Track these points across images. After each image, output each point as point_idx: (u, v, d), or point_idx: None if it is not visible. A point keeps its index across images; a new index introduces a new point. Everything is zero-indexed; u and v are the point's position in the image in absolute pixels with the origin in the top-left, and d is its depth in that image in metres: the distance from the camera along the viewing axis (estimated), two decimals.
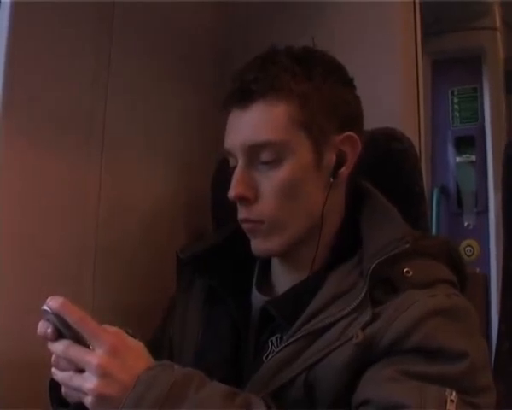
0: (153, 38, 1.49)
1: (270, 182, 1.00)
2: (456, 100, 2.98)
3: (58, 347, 0.83)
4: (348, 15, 1.66)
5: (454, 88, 2.99)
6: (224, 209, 1.05)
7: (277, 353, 0.95)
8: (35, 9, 1.17)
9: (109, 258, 1.35)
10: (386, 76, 1.58)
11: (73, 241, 1.28)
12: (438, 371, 0.86)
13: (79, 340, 0.83)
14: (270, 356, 0.98)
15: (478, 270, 2.51)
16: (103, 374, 0.80)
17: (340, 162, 1.03)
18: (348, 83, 1.07)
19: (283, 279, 1.08)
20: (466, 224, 2.87)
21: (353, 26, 1.65)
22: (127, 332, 1.03)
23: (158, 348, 1.19)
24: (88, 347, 0.83)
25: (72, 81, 1.27)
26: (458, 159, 2.94)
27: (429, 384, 0.85)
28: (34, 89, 1.18)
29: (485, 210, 2.81)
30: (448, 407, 0.83)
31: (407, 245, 0.96)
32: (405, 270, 0.95)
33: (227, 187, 1.02)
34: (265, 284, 1.11)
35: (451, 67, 2.99)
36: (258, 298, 1.09)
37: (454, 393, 0.84)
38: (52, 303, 0.83)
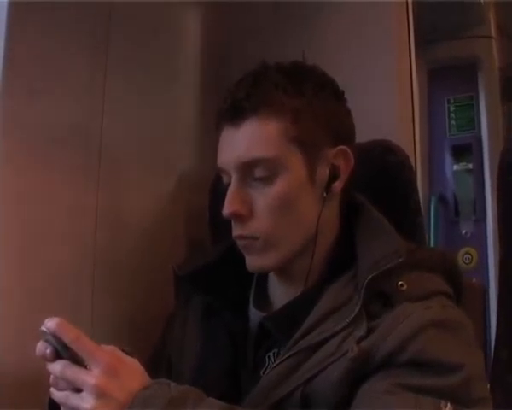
0: (149, 50, 1.50)
1: (264, 198, 1.00)
2: (452, 108, 2.99)
3: (56, 367, 0.83)
4: (342, 26, 1.67)
5: (450, 97, 3.00)
6: (221, 223, 1.05)
7: (274, 368, 0.95)
8: (30, 25, 1.18)
9: (108, 273, 1.35)
10: (381, 87, 1.59)
11: (72, 256, 1.28)
12: (433, 384, 0.86)
13: (77, 360, 0.84)
14: (267, 371, 0.99)
15: (474, 280, 2.51)
16: (100, 394, 0.80)
17: (333, 176, 1.03)
18: (339, 96, 1.07)
19: (280, 293, 1.08)
20: (464, 232, 2.87)
21: (347, 37, 1.66)
22: (124, 350, 1.04)
23: (157, 364, 1.20)
24: (85, 367, 0.83)
25: (68, 96, 1.27)
26: (455, 167, 2.95)
27: (424, 397, 0.85)
28: (30, 107, 1.19)
29: (483, 218, 2.82)
30: None
31: (400, 259, 0.96)
32: (400, 283, 0.95)
33: (224, 201, 1.02)
34: (262, 298, 1.11)
35: (447, 76, 3.00)
36: (255, 314, 1.09)
37: (449, 404, 0.84)
38: (49, 324, 0.83)
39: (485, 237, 2.78)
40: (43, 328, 0.85)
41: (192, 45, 1.69)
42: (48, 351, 0.84)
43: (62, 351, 0.85)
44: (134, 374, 0.85)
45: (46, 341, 0.86)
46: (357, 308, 0.93)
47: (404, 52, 1.66)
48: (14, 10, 1.14)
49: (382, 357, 0.89)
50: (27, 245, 1.18)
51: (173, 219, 1.54)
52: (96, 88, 1.34)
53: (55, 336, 0.84)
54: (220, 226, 1.03)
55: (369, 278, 0.94)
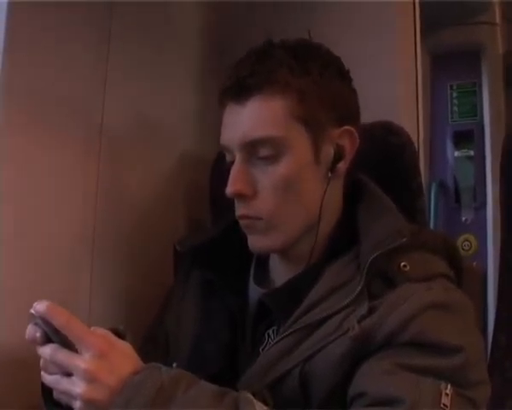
0: (151, 32, 1.50)
1: (268, 178, 0.99)
2: (455, 95, 2.98)
3: (45, 351, 0.83)
4: (347, 10, 1.66)
5: (453, 83, 2.99)
6: (222, 201, 1.05)
7: (274, 345, 0.96)
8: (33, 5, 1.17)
9: (107, 248, 1.35)
10: (386, 70, 1.58)
11: (71, 232, 1.28)
12: (433, 365, 0.86)
13: (67, 344, 0.83)
14: (266, 348, 0.99)
15: (475, 264, 2.51)
16: (90, 379, 0.80)
17: (338, 156, 1.02)
18: (345, 76, 1.06)
19: (281, 272, 1.08)
20: (464, 219, 2.87)
21: (352, 21, 1.65)
22: (118, 329, 1.04)
23: (155, 340, 1.20)
24: (76, 351, 0.82)
25: (70, 73, 1.27)
26: (457, 153, 2.94)
27: (424, 377, 0.85)
28: (33, 83, 1.18)
29: (483, 205, 2.81)
30: (443, 401, 0.84)
31: (404, 239, 0.96)
32: (402, 264, 0.95)
33: (225, 179, 1.02)
34: (263, 276, 1.11)
35: (451, 62, 2.98)
36: (255, 290, 1.08)
37: (449, 386, 0.85)
38: (38, 307, 0.82)
39: (485, 225, 2.78)
40: (33, 311, 0.83)
41: (194, 26, 1.68)
42: (38, 335, 0.83)
43: (52, 335, 0.83)
44: (125, 359, 0.84)
45: (36, 324, 0.84)
46: (359, 288, 0.92)
47: (409, 37, 1.65)
48: None
49: (383, 337, 0.89)
50: (27, 221, 1.18)
51: (174, 197, 1.55)
52: (99, 65, 1.34)
53: (44, 319, 0.83)
54: (221, 205, 1.03)
55: (371, 257, 0.93)
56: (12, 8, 1.12)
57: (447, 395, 0.84)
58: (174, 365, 1.10)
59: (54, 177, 1.24)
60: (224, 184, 1.01)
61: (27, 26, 1.16)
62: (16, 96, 1.14)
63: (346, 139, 1.03)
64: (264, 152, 0.98)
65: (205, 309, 1.12)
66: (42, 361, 0.86)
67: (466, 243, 2.80)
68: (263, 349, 1.00)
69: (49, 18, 1.21)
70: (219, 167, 1.05)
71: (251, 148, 0.99)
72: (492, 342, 1.27)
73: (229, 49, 1.66)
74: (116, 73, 1.37)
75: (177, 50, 1.61)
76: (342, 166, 1.04)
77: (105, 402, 0.80)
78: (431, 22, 2.64)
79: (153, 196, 1.50)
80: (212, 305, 1.11)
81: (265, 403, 0.92)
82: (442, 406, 0.84)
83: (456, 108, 2.97)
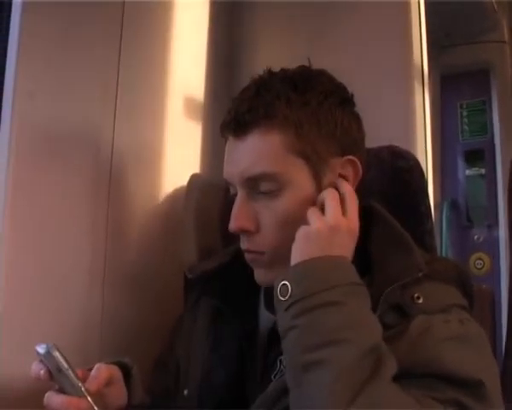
0: (162, 48, 1.51)
1: (269, 213, 0.98)
2: (465, 113, 2.98)
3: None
4: (355, 31, 1.67)
5: (463, 101, 2.99)
6: None
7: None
8: (44, 21, 1.19)
9: (118, 277, 1.36)
10: (393, 93, 1.59)
11: (82, 263, 1.28)
12: (456, 398, 0.86)
13: (70, 382, 0.90)
14: (278, 375, 0.99)
15: (484, 286, 2.50)
16: None
17: None
18: (347, 102, 1.04)
19: None
20: (476, 237, 2.86)
21: (360, 42, 1.66)
22: (124, 361, 1.06)
23: (165, 365, 1.21)
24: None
25: (81, 95, 1.28)
26: (468, 172, 2.93)
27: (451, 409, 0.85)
28: (43, 112, 1.20)
29: (496, 223, 2.80)
30: None
31: (420, 274, 0.95)
32: (416, 295, 0.94)
33: (232, 210, 1.02)
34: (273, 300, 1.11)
35: (460, 81, 2.99)
36: (266, 317, 1.08)
37: None
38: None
39: (498, 243, 2.77)
40: (38, 348, 0.89)
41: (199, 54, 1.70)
42: (42, 372, 0.90)
43: (55, 373, 0.89)
44: None
45: (40, 362, 0.90)
46: None
47: (417, 57, 1.66)
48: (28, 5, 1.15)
49: (402, 369, 0.87)
50: (37, 245, 1.19)
51: (184, 223, 1.54)
52: (108, 91, 1.35)
53: (48, 358, 0.89)
54: (231, 233, 1.03)
55: (388, 289, 0.93)
56: (22, 38, 1.14)
57: None
58: (185, 392, 1.11)
59: (63, 208, 1.24)
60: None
61: (40, 55, 1.18)
62: (27, 127, 1.16)
63: (349, 169, 1.01)
64: (264, 187, 0.98)
65: (214, 336, 1.12)
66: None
67: (478, 261, 2.79)
68: (274, 376, 1.00)
69: (58, 45, 1.22)
70: (230, 194, 1.05)
71: (252, 183, 0.99)
72: (503, 367, 1.26)
73: (237, 71, 1.68)
74: (125, 101, 1.38)
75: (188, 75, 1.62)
76: None
77: None
78: (440, 42, 2.66)
79: (163, 223, 1.50)
80: (222, 332, 1.11)
81: None
82: None
83: (466, 127, 2.97)
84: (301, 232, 0.93)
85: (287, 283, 0.87)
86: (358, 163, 1.02)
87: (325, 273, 0.87)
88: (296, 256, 0.90)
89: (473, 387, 0.87)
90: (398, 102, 1.61)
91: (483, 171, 2.90)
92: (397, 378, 0.86)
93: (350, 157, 1.01)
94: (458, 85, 2.99)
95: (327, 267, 0.88)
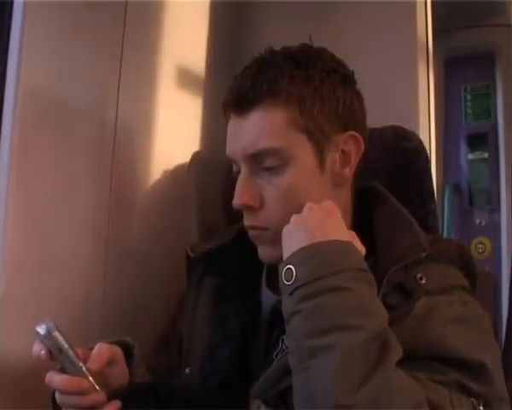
0: (165, 25, 1.50)
1: (273, 189, 0.99)
2: (468, 97, 2.97)
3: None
4: (360, 13, 1.66)
5: (467, 85, 2.98)
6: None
7: (288, 352, 0.94)
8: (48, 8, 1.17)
9: (120, 256, 1.35)
10: (398, 74, 1.58)
11: (84, 236, 1.28)
12: (458, 380, 0.86)
13: (71, 361, 0.90)
14: (280, 355, 0.99)
15: (487, 268, 2.50)
16: None
17: (343, 162, 1.02)
18: (348, 80, 1.04)
19: None
20: (478, 221, 2.86)
21: (365, 24, 1.65)
22: (126, 341, 1.06)
23: (168, 345, 1.21)
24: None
25: (85, 71, 1.27)
26: (471, 156, 2.93)
27: (456, 392, 0.85)
28: (49, 83, 1.19)
29: (498, 207, 2.80)
30: None
31: (424, 253, 0.96)
32: (418, 276, 0.94)
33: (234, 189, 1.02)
34: (276, 280, 1.10)
35: (464, 64, 2.98)
36: (268, 296, 1.08)
37: (481, 402, 0.86)
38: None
39: (499, 227, 2.77)
40: (38, 329, 0.89)
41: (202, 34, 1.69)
42: (42, 352, 0.90)
43: (56, 353, 0.89)
44: None
45: (41, 342, 0.90)
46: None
47: (422, 39, 1.65)
48: None
49: (406, 351, 0.86)
50: (38, 228, 1.18)
51: (187, 201, 1.54)
52: (112, 66, 1.34)
53: (48, 338, 0.89)
54: (235, 209, 1.02)
55: (391, 269, 0.93)
56: (27, 16, 1.13)
57: None
58: (187, 370, 1.11)
59: (66, 185, 1.24)
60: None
61: (43, 36, 1.17)
62: (31, 103, 1.15)
63: (351, 145, 1.02)
64: (268, 163, 0.98)
65: (217, 315, 1.12)
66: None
67: (480, 245, 2.79)
68: (276, 355, 1.00)
69: (64, 25, 1.21)
70: (233, 173, 1.05)
71: (255, 159, 0.99)
72: (504, 347, 1.26)
73: (240, 51, 1.67)
74: (129, 74, 1.37)
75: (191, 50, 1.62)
76: (348, 171, 1.03)
77: None
78: (445, 25, 2.65)
79: (165, 201, 1.50)
80: (225, 311, 1.11)
81: (276, 409, 0.92)
82: None
83: (469, 111, 2.96)
84: (294, 220, 0.92)
85: (291, 267, 0.86)
86: (361, 139, 1.02)
87: (330, 258, 0.86)
88: (294, 242, 0.90)
89: (475, 369, 0.87)
90: (402, 85, 1.61)
91: (486, 155, 2.89)
92: (400, 361, 0.86)
93: (352, 133, 1.01)
94: (462, 69, 2.98)
95: (332, 252, 0.87)
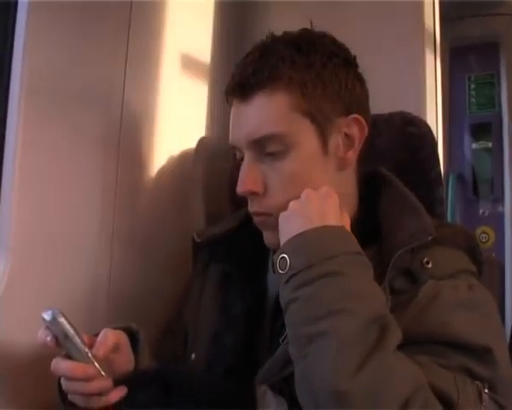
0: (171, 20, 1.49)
1: (277, 174, 0.98)
2: (473, 86, 2.96)
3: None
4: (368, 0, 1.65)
5: (471, 74, 2.97)
6: None
7: None
8: None
9: (126, 241, 1.35)
10: (405, 61, 1.58)
11: (90, 225, 1.27)
12: (463, 365, 0.86)
13: (77, 348, 0.90)
14: (286, 340, 0.98)
15: (493, 255, 2.50)
16: None
17: (347, 146, 1.01)
18: (350, 64, 1.04)
19: None
20: (481, 211, 2.85)
21: (372, 12, 1.64)
22: (131, 327, 1.06)
23: (173, 332, 1.21)
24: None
25: (92, 53, 1.26)
26: (474, 145, 2.92)
27: (462, 376, 0.85)
28: (52, 71, 1.17)
29: (501, 197, 2.79)
30: (484, 399, 0.85)
31: (430, 237, 0.95)
32: (425, 260, 0.94)
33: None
34: None
35: (469, 53, 2.96)
36: (274, 281, 1.07)
37: (486, 386, 0.85)
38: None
39: (503, 217, 2.76)
40: (44, 315, 0.89)
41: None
42: (48, 339, 0.90)
43: (62, 339, 0.90)
44: None
45: (47, 328, 0.90)
46: (383, 284, 0.91)
47: (429, 27, 1.64)
48: None
49: (411, 335, 0.87)
50: (44, 211, 1.17)
51: (193, 188, 1.54)
52: (119, 53, 1.33)
53: (54, 324, 0.89)
54: (240, 197, 1.02)
55: (397, 253, 0.93)
56: (32, 5, 1.12)
57: (486, 394, 0.85)
58: (192, 356, 1.11)
59: (72, 167, 1.23)
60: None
61: (48, 26, 1.16)
62: (37, 85, 1.14)
63: (355, 128, 1.01)
64: (271, 148, 0.98)
65: (223, 301, 1.12)
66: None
67: (483, 235, 2.78)
68: (282, 341, 0.99)
69: (69, 14, 1.20)
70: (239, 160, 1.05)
71: (258, 145, 0.99)
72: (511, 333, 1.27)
73: (246, 38, 1.67)
74: (135, 62, 1.36)
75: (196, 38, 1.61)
76: (352, 154, 1.02)
77: None
78: (449, 14, 2.63)
79: (172, 189, 1.49)
80: (231, 297, 1.11)
81: (282, 394, 0.92)
82: (484, 404, 0.84)
83: (473, 100, 2.95)
84: (292, 206, 0.93)
85: (285, 255, 0.87)
86: (364, 122, 1.02)
87: (323, 244, 0.86)
88: (291, 229, 0.90)
89: (481, 353, 0.87)
90: (408, 73, 1.60)
91: (490, 145, 2.88)
92: (405, 345, 0.86)
93: (355, 116, 1.01)
94: (467, 58, 2.96)
95: (325, 238, 0.87)
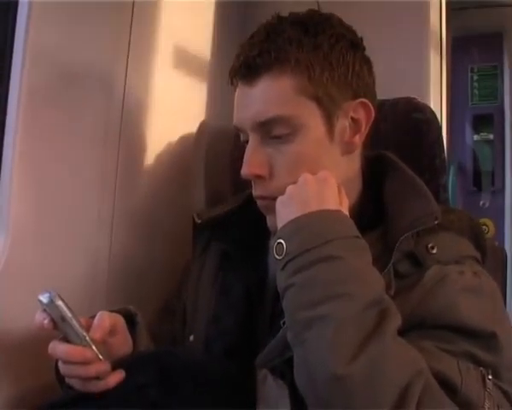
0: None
1: (283, 157, 0.97)
2: (475, 77, 2.95)
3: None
4: None
5: (474, 66, 2.96)
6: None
7: None
8: None
9: (126, 221, 1.34)
10: (411, 50, 1.57)
11: (91, 202, 1.27)
12: (468, 350, 0.85)
13: (74, 331, 0.89)
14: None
15: (497, 243, 2.50)
16: None
17: (353, 130, 1.00)
18: (357, 46, 1.02)
19: None
20: (481, 202, 2.86)
21: (379, 3, 1.62)
22: (129, 309, 1.05)
23: (172, 312, 1.21)
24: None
25: (95, 37, 1.25)
26: (476, 137, 2.91)
27: (464, 362, 0.84)
28: (57, 54, 1.17)
29: (502, 189, 2.79)
30: (487, 385, 0.84)
31: (436, 221, 0.95)
32: (430, 245, 0.94)
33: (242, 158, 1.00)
34: None
35: (472, 45, 2.95)
36: (275, 264, 1.07)
37: (490, 372, 0.85)
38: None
39: (503, 209, 2.76)
40: (41, 298, 0.87)
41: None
42: (45, 322, 0.88)
43: (59, 322, 0.88)
44: None
45: (44, 311, 0.89)
46: (387, 267, 0.90)
47: (436, 18, 1.63)
48: None
49: (416, 319, 0.87)
50: (44, 193, 1.17)
51: (194, 169, 1.54)
52: (121, 36, 1.32)
53: (51, 307, 0.87)
54: (241, 178, 1.01)
55: (402, 237, 0.92)
56: None
57: (490, 380, 0.84)
58: (191, 338, 1.10)
59: (73, 150, 1.22)
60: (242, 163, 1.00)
61: (51, 8, 1.15)
62: (38, 70, 1.13)
63: (361, 112, 1.00)
64: (277, 131, 0.96)
65: (223, 282, 1.11)
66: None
67: (483, 227, 2.78)
68: (283, 323, 0.98)
69: None
70: (240, 141, 1.03)
71: (263, 128, 0.97)
72: None
73: (246, 22, 1.65)
74: (137, 46, 1.35)
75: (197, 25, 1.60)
76: (358, 139, 1.01)
77: None
78: (453, 4, 2.61)
79: (172, 171, 1.48)
80: (230, 278, 1.10)
81: (283, 378, 0.91)
82: (488, 390, 0.83)
83: (476, 91, 2.95)
84: (289, 191, 0.92)
85: (281, 241, 0.86)
86: (370, 106, 1.00)
87: (319, 228, 0.85)
88: (288, 214, 0.89)
89: (486, 339, 0.87)
90: (413, 63, 1.59)
91: (491, 136, 2.87)
92: (410, 329, 0.86)
93: (362, 100, 1.00)
94: (470, 49, 2.96)
95: (321, 222, 0.86)
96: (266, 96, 0.96)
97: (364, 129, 1.01)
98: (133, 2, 1.33)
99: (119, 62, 1.32)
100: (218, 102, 1.62)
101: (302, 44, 0.96)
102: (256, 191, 1.01)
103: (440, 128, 1.21)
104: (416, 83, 1.54)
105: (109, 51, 1.29)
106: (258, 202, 1.03)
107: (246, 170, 0.99)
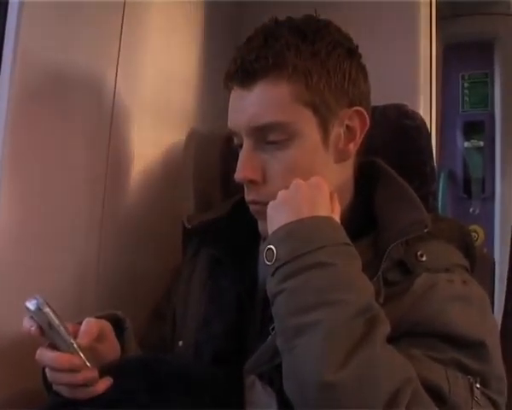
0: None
1: (277, 163, 0.97)
2: (466, 85, 2.96)
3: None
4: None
5: (465, 73, 2.97)
6: (233, 178, 1.03)
7: None
8: None
9: (116, 226, 1.34)
10: (401, 56, 1.57)
11: (79, 207, 1.26)
12: (456, 359, 0.86)
13: (60, 337, 0.88)
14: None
15: (486, 250, 2.51)
16: None
17: (348, 138, 1.00)
18: (354, 53, 1.02)
19: None
20: (471, 210, 2.86)
21: (369, 8, 1.63)
22: (117, 314, 1.04)
23: (161, 317, 1.20)
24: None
25: (85, 40, 1.25)
26: (466, 144, 2.92)
27: (452, 370, 0.85)
28: (47, 52, 1.16)
29: (492, 196, 2.80)
30: (475, 394, 0.84)
31: (426, 230, 0.95)
32: (419, 253, 0.94)
33: (236, 157, 1.00)
34: None
35: (463, 52, 2.96)
36: (265, 269, 1.06)
37: (478, 381, 0.85)
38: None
39: (493, 216, 2.77)
40: (28, 304, 0.87)
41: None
42: (32, 328, 0.87)
43: (46, 328, 0.87)
44: None
45: (31, 318, 0.88)
46: (377, 275, 0.90)
47: (426, 23, 1.64)
48: None
49: (405, 326, 0.87)
50: (34, 191, 1.16)
51: (184, 174, 1.52)
52: (113, 37, 1.32)
53: (38, 314, 0.87)
54: (231, 182, 1.01)
55: (392, 245, 0.92)
56: None
57: (477, 389, 0.85)
58: (180, 343, 1.10)
59: (62, 153, 1.21)
60: (235, 161, 1.00)
61: (42, 6, 1.14)
62: (28, 73, 1.12)
63: (356, 120, 1.01)
64: (272, 137, 0.96)
65: (212, 288, 1.11)
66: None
67: (473, 234, 2.77)
68: (272, 329, 0.98)
69: None
70: (230, 144, 1.03)
71: (259, 133, 0.97)
72: (501, 327, 1.27)
73: (238, 23, 1.65)
74: (128, 45, 1.35)
75: (187, 29, 1.60)
76: (352, 147, 1.01)
77: None
78: (444, 12, 2.63)
79: (162, 175, 1.48)
80: (220, 284, 1.10)
81: (272, 384, 0.91)
82: (475, 398, 0.84)
83: (467, 98, 2.95)
84: (281, 196, 0.91)
85: (272, 247, 0.86)
86: (366, 114, 1.01)
87: (310, 235, 0.85)
88: (279, 219, 0.89)
89: (474, 347, 0.87)
90: (403, 69, 1.59)
91: (481, 143, 2.88)
92: (399, 336, 0.86)
93: (358, 108, 1.00)
94: (461, 56, 2.97)
95: (311, 228, 0.86)
96: (263, 101, 0.96)
97: (359, 137, 1.01)
98: (124, 3, 1.32)
99: (110, 64, 1.31)
100: (208, 107, 1.62)
101: (300, 51, 0.96)
102: (249, 196, 1.01)
103: (430, 135, 1.22)
104: (406, 89, 1.54)
105: (99, 53, 1.29)
106: (251, 207, 1.03)
107: (240, 174, 0.99)
